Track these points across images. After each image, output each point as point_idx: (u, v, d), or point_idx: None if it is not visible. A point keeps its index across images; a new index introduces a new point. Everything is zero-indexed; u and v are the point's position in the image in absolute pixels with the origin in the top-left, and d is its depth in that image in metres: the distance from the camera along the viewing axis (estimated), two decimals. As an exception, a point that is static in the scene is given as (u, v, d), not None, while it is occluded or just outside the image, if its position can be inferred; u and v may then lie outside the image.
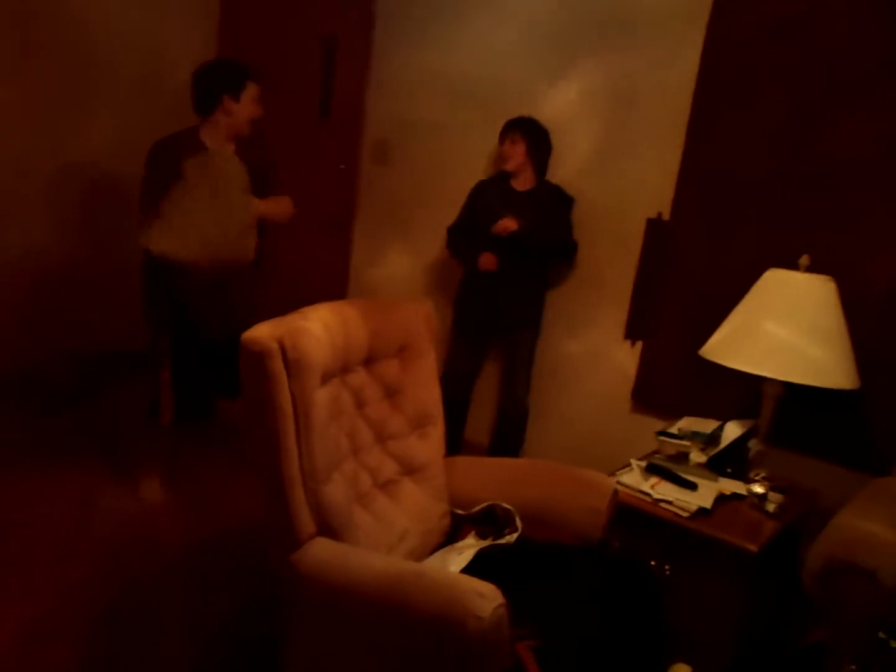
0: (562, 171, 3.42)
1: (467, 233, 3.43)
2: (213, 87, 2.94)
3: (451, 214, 3.71)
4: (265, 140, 3.21)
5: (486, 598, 1.56)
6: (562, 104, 3.45)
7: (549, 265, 3.44)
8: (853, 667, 1.83)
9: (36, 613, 2.34)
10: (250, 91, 2.97)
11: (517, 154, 3.31)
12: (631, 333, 3.31)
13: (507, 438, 3.53)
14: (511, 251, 3.25)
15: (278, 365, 1.78)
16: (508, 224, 3.18)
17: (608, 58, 3.31)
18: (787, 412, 2.66)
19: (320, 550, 1.79)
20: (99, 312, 4.11)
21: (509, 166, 3.34)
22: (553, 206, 3.34)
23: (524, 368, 3.48)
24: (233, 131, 3.00)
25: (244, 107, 2.96)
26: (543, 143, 3.35)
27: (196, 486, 3.24)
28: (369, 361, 2.18)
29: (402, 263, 4.06)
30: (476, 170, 3.69)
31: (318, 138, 4.24)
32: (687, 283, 3.12)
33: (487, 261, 3.27)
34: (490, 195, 3.40)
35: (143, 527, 2.89)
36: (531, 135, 3.32)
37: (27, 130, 3.80)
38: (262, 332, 1.81)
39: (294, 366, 1.80)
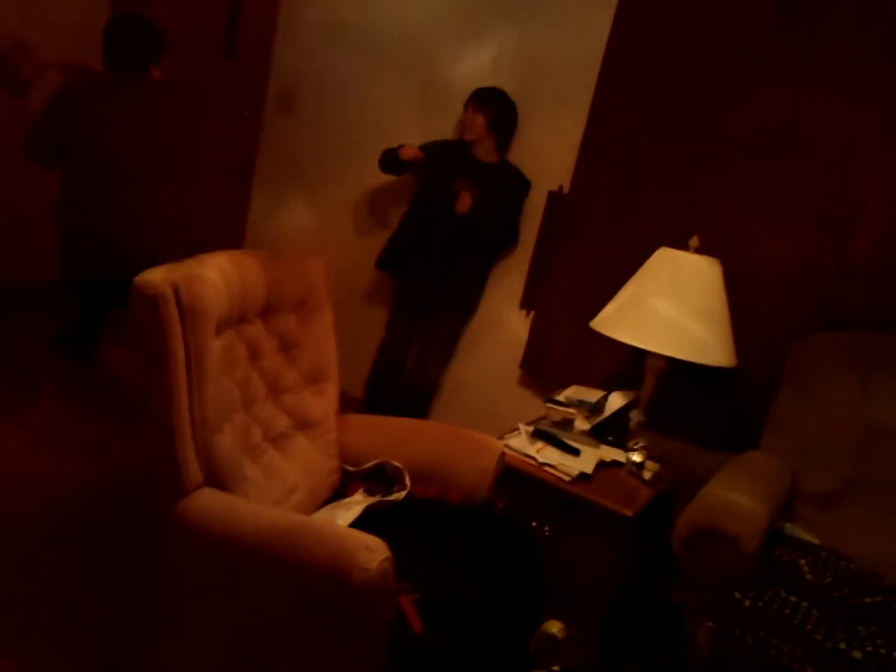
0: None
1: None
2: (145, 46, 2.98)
3: (355, 170, 3.67)
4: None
5: (373, 551, 1.59)
6: (473, 68, 3.45)
7: (492, 249, 3.42)
8: (710, 623, 1.96)
9: None
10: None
11: (477, 125, 3.25)
12: (526, 303, 3.38)
13: (411, 412, 3.49)
14: (457, 229, 3.23)
15: (172, 311, 1.73)
16: (464, 201, 3.14)
17: (522, 26, 3.32)
18: (666, 391, 2.78)
19: (207, 500, 1.78)
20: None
21: (468, 136, 3.28)
22: (510, 186, 3.31)
23: (442, 348, 3.49)
24: None
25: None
26: (507, 117, 3.30)
27: (81, 429, 3.13)
28: (266, 313, 2.15)
29: (303, 216, 4.00)
30: (384, 126, 3.66)
31: (221, 81, 4.09)
32: (583, 256, 3.19)
33: (464, 200, 3.16)
34: (448, 157, 3.31)
35: (23, 468, 2.77)
36: (494, 108, 3.26)
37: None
38: (156, 276, 1.75)
39: (188, 312, 1.75)
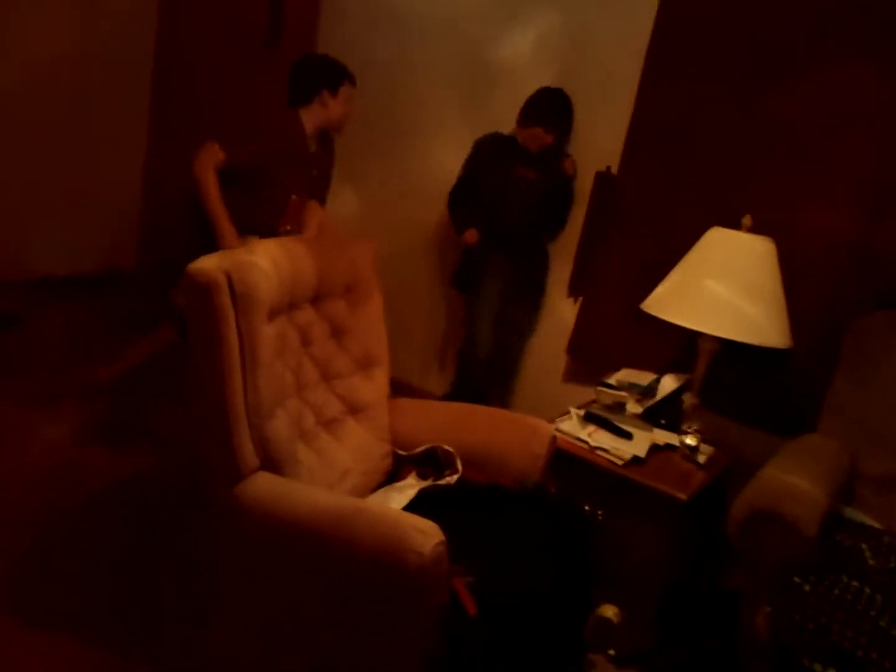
0: (513, 121, 3.39)
1: (468, 196, 3.33)
2: (311, 79, 2.96)
3: (402, 156, 3.66)
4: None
5: (427, 534, 1.60)
6: (517, 48, 3.41)
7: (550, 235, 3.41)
8: (768, 608, 1.93)
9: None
10: (347, 89, 2.98)
11: (545, 141, 3.19)
12: (574, 290, 3.34)
13: (496, 394, 3.52)
14: (529, 218, 3.26)
15: (225, 298, 1.76)
16: (571, 165, 3.21)
17: (566, 7, 3.28)
18: (720, 373, 2.74)
19: (263, 484, 1.80)
20: (26, 238, 3.96)
21: (532, 147, 3.21)
22: (560, 175, 3.28)
23: (521, 334, 3.50)
24: (326, 124, 3.02)
25: (339, 103, 2.97)
26: (567, 123, 3.25)
27: (132, 416, 3.20)
28: (316, 299, 2.17)
29: (349, 203, 4.00)
30: (427, 113, 3.64)
31: (265, 71, 4.11)
32: (632, 237, 3.15)
33: (470, 236, 3.23)
34: (502, 153, 3.26)
35: (75, 454, 2.85)
36: (564, 124, 3.22)
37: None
38: (210, 265, 1.78)
39: (241, 300, 1.77)
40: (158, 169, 4.46)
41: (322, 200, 3.18)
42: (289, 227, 2.96)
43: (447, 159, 3.49)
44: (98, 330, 3.56)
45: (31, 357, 3.49)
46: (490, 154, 3.30)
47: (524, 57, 3.39)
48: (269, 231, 2.81)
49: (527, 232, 3.30)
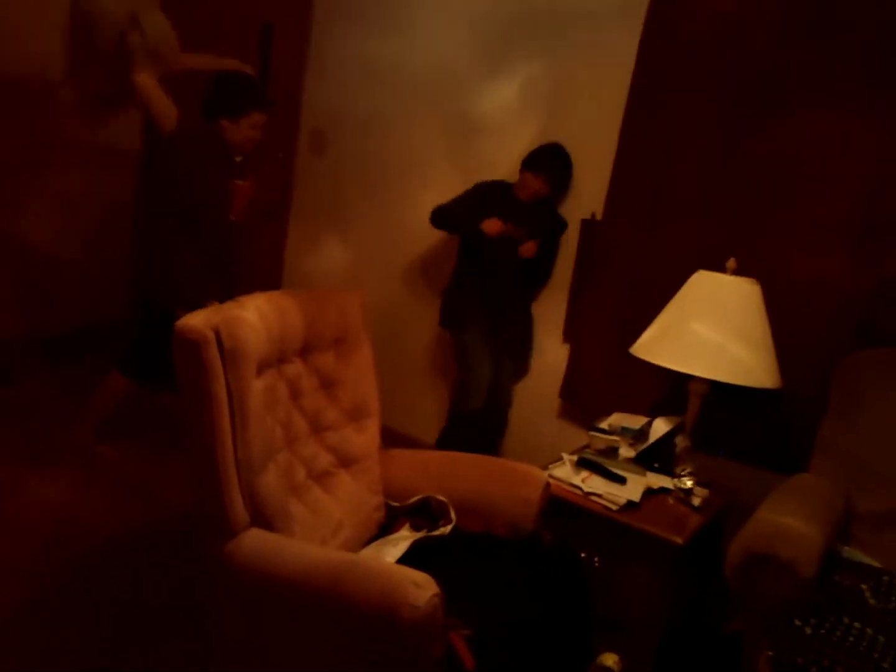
0: (500, 168, 3.44)
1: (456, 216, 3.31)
2: (215, 101, 2.97)
3: (387, 207, 3.70)
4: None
5: (422, 587, 1.58)
6: (500, 100, 3.47)
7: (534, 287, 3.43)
8: (770, 652, 1.91)
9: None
10: (252, 119, 2.99)
11: (537, 187, 3.21)
12: (568, 335, 3.35)
13: (491, 437, 3.52)
14: (514, 272, 3.27)
15: (214, 354, 1.76)
16: (529, 249, 3.19)
17: (547, 55, 3.34)
18: (711, 413, 2.74)
19: (254, 541, 1.78)
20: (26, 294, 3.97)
21: (522, 195, 3.25)
22: (551, 224, 3.32)
23: (513, 380, 3.50)
24: (231, 146, 3.03)
25: (240, 131, 2.99)
26: (565, 174, 3.28)
27: (123, 472, 3.18)
28: (305, 352, 2.16)
29: (338, 254, 4.04)
30: (414, 163, 3.69)
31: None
32: (618, 282, 3.17)
33: (493, 224, 3.15)
34: (491, 201, 3.27)
35: (71, 512, 2.82)
36: (555, 169, 3.23)
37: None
38: (198, 320, 1.78)
39: (230, 355, 1.78)
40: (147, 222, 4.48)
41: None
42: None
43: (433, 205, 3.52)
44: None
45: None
46: (486, 198, 3.30)
47: (509, 106, 3.45)
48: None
49: (509, 281, 3.30)
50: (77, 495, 2.94)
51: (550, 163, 3.23)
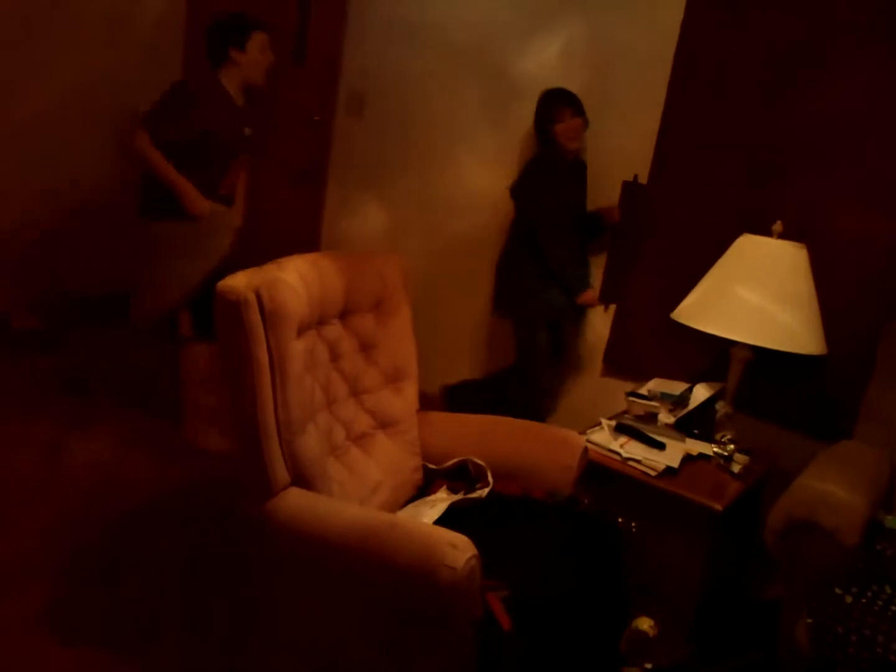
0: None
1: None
2: (219, 41, 3.06)
3: (425, 169, 3.67)
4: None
5: (459, 548, 1.59)
6: (543, 58, 3.40)
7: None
8: (809, 619, 1.90)
9: (7, 553, 2.33)
10: (256, 40, 3.07)
11: (581, 131, 3.09)
12: (604, 297, 3.33)
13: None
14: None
15: (255, 315, 1.77)
16: (614, 212, 3.16)
17: (591, 13, 3.26)
18: (754, 378, 2.71)
19: (294, 500, 1.80)
20: (75, 255, 4.04)
21: (574, 145, 3.09)
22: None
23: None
24: (246, 80, 3.13)
25: (251, 57, 3.07)
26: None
27: (164, 432, 3.24)
28: (345, 314, 2.17)
29: (376, 217, 4.02)
30: (453, 125, 3.65)
31: (292, 87, 4.15)
32: (662, 245, 3.13)
33: (590, 296, 3.14)
34: (567, 178, 3.12)
35: (112, 471, 2.88)
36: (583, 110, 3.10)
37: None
38: (239, 282, 1.79)
39: (271, 316, 1.78)
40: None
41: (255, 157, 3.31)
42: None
43: (475, 171, 3.49)
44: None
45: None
46: (562, 181, 3.11)
47: (550, 68, 3.37)
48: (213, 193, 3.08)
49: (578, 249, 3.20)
50: (118, 455, 3.00)
51: (580, 102, 3.08)
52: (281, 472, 1.81)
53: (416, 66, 3.77)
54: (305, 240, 4.06)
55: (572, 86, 3.29)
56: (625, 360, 3.28)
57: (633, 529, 2.28)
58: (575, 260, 3.15)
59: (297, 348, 1.87)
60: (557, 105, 3.08)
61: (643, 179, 3.17)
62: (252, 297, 1.76)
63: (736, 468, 2.47)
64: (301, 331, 1.91)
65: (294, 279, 1.89)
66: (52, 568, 2.33)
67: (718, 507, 2.26)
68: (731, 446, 2.49)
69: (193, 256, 3.10)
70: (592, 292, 3.17)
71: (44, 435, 3.01)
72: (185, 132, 2.96)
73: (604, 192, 3.27)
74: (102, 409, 3.33)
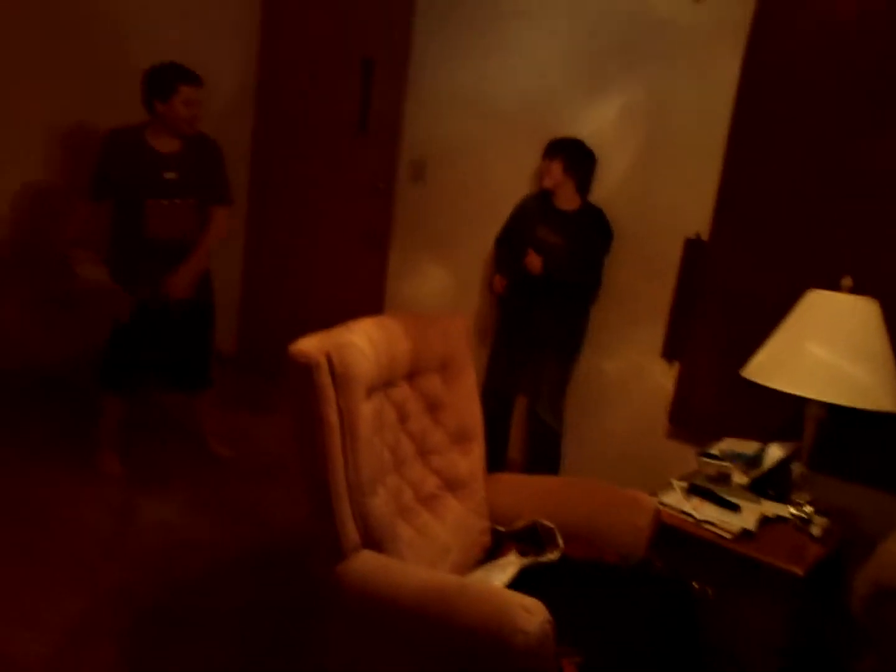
0: (598, 189, 3.42)
1: (509, 244, 3.49)
2: (146, 90, 3.15)
3: (485, 232, 3.72)
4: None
5: (532, 613, 1.56)
6: (599, 122, 3.44)
7: (579, 293, 3.42)
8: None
9: (80, 611, 2.38)
10: (182, 94, 3.12)
11: (554, 172, 3.31)
12: (668, 353, 3.29)
13: (539, 458, 3.51)
14: (538, 278, 3.29)
15: (326, 378, 1.80)
16: (534, 262, 3.24)
17: (646, 75, 3.30)
18: (830, 436, 2.63)
19: (365, 562, 1.80)
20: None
21: (545, 183, 3.35)
22: (590, 231, 3.31)
23: (549, 389, 3.44)
24: (173, 130, 3.19)
25: (172, 109, 3.13)
26: (582, 162, 3.33)
27: (229, 493, 3.28)
28: (411, 375, 2.19)
29: (438, 280, 4.08)
30: (512, 188, 3.70)
31: (356, 155, 4.29)
32: (726, 302, 3.09)
33: (532, 261, 3.25)
34: (531, 210, 3.43)
35: (182, 532, 2.93)
36: (569, 154, 3.31)
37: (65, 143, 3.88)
38: (310, 345, 1.83)
39: (341, 379, 1.81)
40: (256, 255, 4.65)
41: (214, 200, 3.31)
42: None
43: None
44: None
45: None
46: (522, 213, 3.48)
47: (607, 129, 3.42)
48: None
49: (539, 291, 3.33)
50: (188, 517, 3.05)
51: (563, 146, 3.31)
52: (352, 534, 1.82)
53: (474, 133, 3.85)
54: (370, 302, 4.13)
55: (631, 145, 3.34)
56: (691, 419, 3.22)
57: (710, 594, 2.21)
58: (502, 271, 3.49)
59: (367, 410, 1.89)
60: (543, 154, 3.39)
61: (704, 236, 3.16)
62: (323, 361, 1.80)
63: (816, 531, 2.38)
64: (370, 392, 1.93)
65: (363, 342, 1.92)
66: (122, 627, 2.36)
67: (799, 571, 2.18)
68: (810, 508, 2.41)
69: None
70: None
71: (112, 493, 3.08)
72: (111, 183, 3.15)
73: (664, 249, 3.27)
74: (172, 468, 3.40)
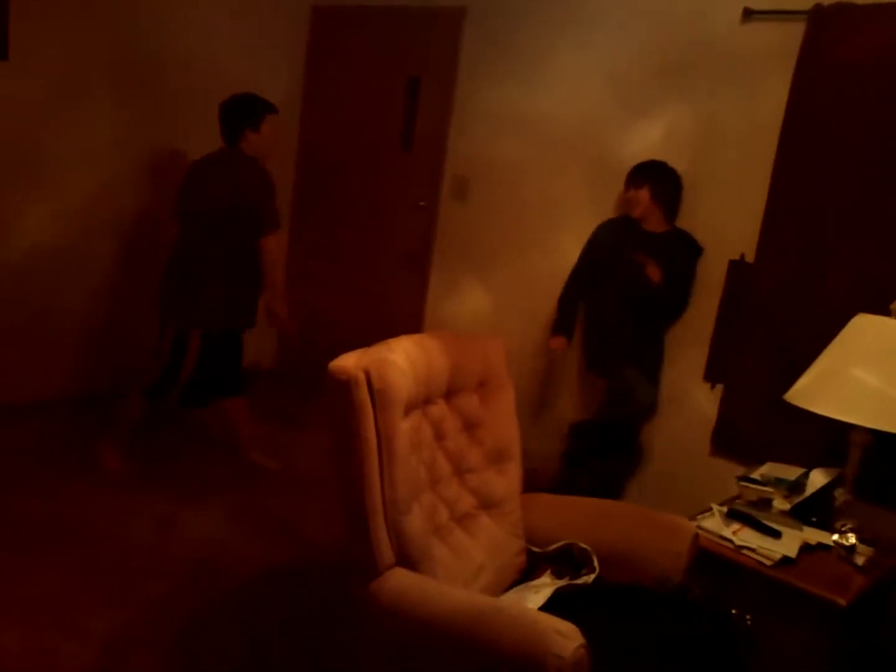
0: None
1: (577, 289, 3.45)
2: (237, 119, 3.24)
3: (527, 254, 3.73)
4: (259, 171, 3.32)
5: (567, 637, 1.55)
6: (644, 146, 3.43)
7: (665, 319, 3.37)
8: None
9: (123, 623, 2.42)
10: (269, 122, 3.27)
11: (641, 200, 3.22)
12: (711, 376, 3.26)
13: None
14: (638, 304, 3.24)
15: (364, 395, 1.82)
16: (654, 271, 3.13)
17: (693, 96, 3.29)
18: (875, 463, 2.57)
19: (399, 581, 1.81)
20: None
21: (636, 213, 3.25)
22: (681, 254, 3.24)
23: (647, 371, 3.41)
24: (262, 156, 3.29)
25: (262, 136, 3.26)
26: (669, 185, 3.25)
27: (268, 507, 3.32)
28: (449, 394, 2.20)
29: (478, 299, 4.09)
30: (555, 210, 3.71)
31: (400, 172, 4.33)
32: (770, 326, 3.06)
33: (654, 271, 3.14)
34: (616, 236, 3.31)
35: (222, 547, 2.96)
36: (655, 181, 3.22)
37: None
38: (349, 362, 1.84)
39: (379, 396, 1.83)
40: (297, 271, 4.71)
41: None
42: None
43: (575, 254, 3.51)
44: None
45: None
46: (608, 236, 3.36)
47: (652, 155, 3.38)
48: None
49: (635, 319, 3.28)
50: (228, 530, 3.08)
51: (648, 173, 3.23)
52: (386, 552, 1.83)
53: (517, 152, 3.87)
54: (409, 321, 4.15)
55: (676, 166, 3.30)
56: (734, 442, 3.18)
57: (749, 622, 2.16)
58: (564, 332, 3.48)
59: (404, 427, 1.90)
60: (626, 183, 3.31)
61: (749, 258, 3.13)
62: (362, 377, 1.81)
63: (860, 560, 2.33)
64: (407, 410, 1.94)
65: (402, 359, 1.93)
66: (164, 640, 2.39)
67: (842, 601, 2.13)
68: (853, 536, 2.36)
69: None
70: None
71: (156, 510, 3.13)
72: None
73: (709, 270, 3.24)
74: (213, 484, 3.44)
